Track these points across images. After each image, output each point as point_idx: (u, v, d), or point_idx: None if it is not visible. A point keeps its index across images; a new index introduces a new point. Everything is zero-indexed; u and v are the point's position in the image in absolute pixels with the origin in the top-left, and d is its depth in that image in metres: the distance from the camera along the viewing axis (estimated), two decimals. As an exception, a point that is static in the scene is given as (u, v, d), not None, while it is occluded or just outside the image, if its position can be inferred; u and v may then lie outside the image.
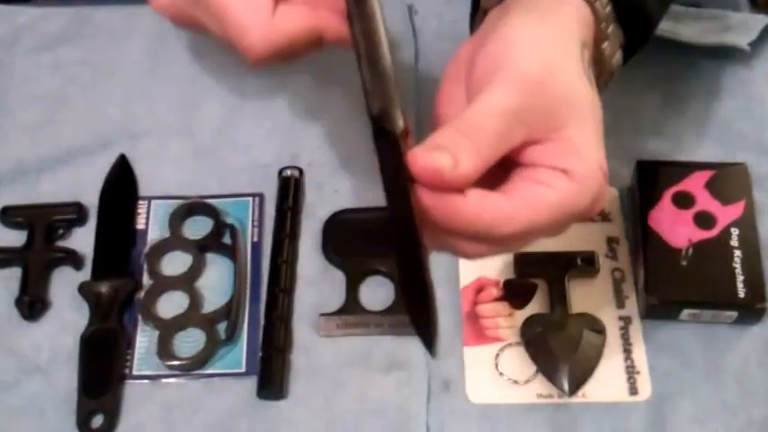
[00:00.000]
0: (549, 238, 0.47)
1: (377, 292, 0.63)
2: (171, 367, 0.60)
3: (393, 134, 0.44)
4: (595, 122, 0.46)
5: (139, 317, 0.62)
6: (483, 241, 0.45)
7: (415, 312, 0.46)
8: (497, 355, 0.60)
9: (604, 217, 0.65)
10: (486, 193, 0.44)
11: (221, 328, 0.61)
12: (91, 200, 0.67)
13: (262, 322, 0.61)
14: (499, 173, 0.46)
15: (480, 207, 0.44)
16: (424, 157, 0.43)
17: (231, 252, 0.64)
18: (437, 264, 0.64)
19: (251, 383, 0.59)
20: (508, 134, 0.44)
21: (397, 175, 0.43)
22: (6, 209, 0.66)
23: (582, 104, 0.46)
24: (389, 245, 0.44)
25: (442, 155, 0.43)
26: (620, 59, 0.52)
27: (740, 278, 0.59)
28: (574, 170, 0.44)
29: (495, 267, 0.63)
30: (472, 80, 0.47)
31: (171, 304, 0.63)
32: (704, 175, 0.63)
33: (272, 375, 0.59)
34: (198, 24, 0.50)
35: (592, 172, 0.45)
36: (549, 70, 0.45)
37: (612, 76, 0.52)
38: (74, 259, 0.64)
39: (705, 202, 0.62)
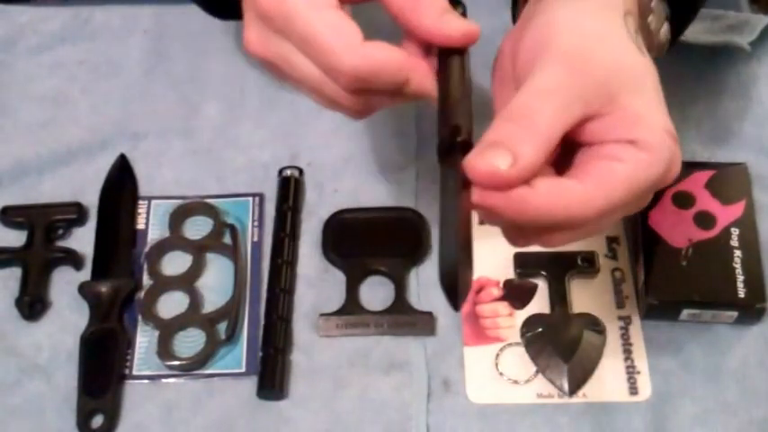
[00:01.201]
0: (629, 214, 0.46)
1: (377, 292, 0.63)
2: (171, 367, 0.60)
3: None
4: (652, 87, 0.45)
5: (139, 317, 0.62)
6: (564, 229, 0.44)
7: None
8: (497, 355, 0.60)
9: (604, 217, 0.65)
10: (556, 180, 0.43)
11: (221, 328, 0.61)
12: (91, 200, 0.67)
13: (262, 322, 0.61)
14: (564, 157, 0.44)
15: (552, 196, 0.42)
16: (480, 162, 0.42)
17: (231, 252, 0.64)
18: (436, 264, 0.64)
19: (251, 383, 0.59)
20: (564, 112, 0.43)
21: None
22: (6, 209, 0.66)
23: (632, 71, 0.45)
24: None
25: (498, 154, 0.41)
26: (667, 33, 0.51)
27: (740, 278, 0.59)
28: (640, 139, 0.43)
29: (495, 267, 0.63)
30: (517, 71, 0.46)
31: (171, 304, 0.63)
32: (704, 175, 0.63)
33: (272, 375, 0.59)
34: (286, 63, 0.49)
35: (659, 137, 0.44)
36: (591, 42, 0.45)
37: (663, 51, 0.51)
38: (74, 259, 0.64)
39: (705, 202, 0.62)
